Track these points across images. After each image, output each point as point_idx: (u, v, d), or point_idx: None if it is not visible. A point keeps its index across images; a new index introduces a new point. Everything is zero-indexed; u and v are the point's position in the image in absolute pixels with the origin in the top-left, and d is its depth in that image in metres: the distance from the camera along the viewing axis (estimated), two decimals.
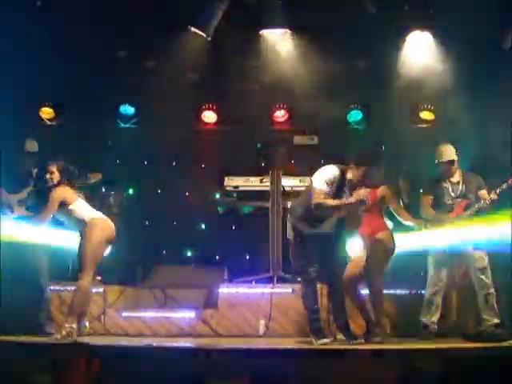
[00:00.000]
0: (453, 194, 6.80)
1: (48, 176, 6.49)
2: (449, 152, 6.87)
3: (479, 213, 6.64)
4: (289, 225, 6.19)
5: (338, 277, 6.14)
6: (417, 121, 9.22)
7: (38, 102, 9.08)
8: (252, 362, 5.06)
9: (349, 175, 5.96)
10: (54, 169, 6.52)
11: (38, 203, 6.97)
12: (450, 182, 6.86)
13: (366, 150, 6.33)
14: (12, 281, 6.72)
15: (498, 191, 6.54)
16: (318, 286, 6.25)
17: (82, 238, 6.31)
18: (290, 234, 6.16)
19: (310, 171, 7.98)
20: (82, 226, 6.32)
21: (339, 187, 5.94)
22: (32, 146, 7.30)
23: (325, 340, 5.89)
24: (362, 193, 5.84)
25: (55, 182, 6.48)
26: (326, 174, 5.94)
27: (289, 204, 7.50)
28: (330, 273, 6.13)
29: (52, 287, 7.10)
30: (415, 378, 3.87)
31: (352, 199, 5.87)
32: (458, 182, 6.84)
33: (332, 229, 6.03)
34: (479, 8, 7.10)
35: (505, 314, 6.56)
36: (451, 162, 6.84)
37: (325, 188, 5.86)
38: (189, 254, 9.73)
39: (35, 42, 7.78)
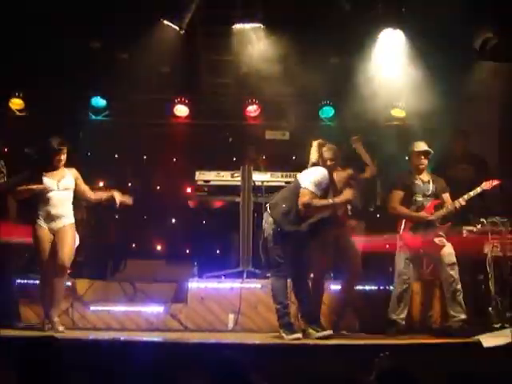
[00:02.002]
0: (424, 192, 6.85)
1: (63, 157, 6.51)
2: (421, 144, 6.93)
3: (448, 215, 6.72)
4: (269, 220, 6.21)
5: (306, 272, 6.21)
6: (388, 118, 9.29)
7: (7, 93, 8.98)
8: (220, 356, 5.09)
9: (335, 177, 6.09)
10: (65, 150, 6.54)
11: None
12: (420, 179, 6.90)
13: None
14: None
15: (470, 194, 6.61)
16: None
17: (67, 233, 6.38)
18: (268, 229, 6.19)
19: (281, 166, 8.05)
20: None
21: (326, 188, 6.06)
22: None
23: (296, 335, 5.92)
24: (349, 193, 6.11)
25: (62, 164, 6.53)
26: (315, 175, 6.13)
27: (261, 199, 7.53)
28: (301, 269, 6.18)
29: (18, 281, 7.06)
30: (383, 372, 3.88)
31: (339, 200, 6.11)
32: (429, 181, 6.88)
33: (307, 228, 6.12)
34: (451, 8, 7.15)
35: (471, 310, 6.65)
36: (422, 154, 6.88)
37: (313, 188, 6.05)
38: (159, 248, 9.71)
39: (5, 32, 7.68)
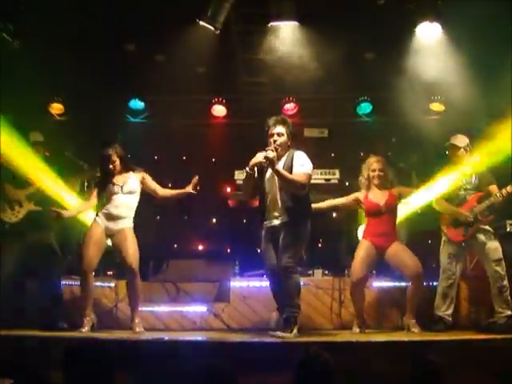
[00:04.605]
0: (466, 186, 6.76)
1: (111, 162, 6.55)
2: (457, 138, 6.84)
3: (492, 207, 6.60)
4: None
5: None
6: (427, 112, 9.20)
7: (47, 98, 9.12)
8: (263, 355, 5.10)
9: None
10: (114, 157, 6.57)
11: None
12: (462, 172, 6.80)
13: None
14: (25, 275, 6.80)
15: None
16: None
17: (127, 236, 6.46)
18: None
19: (320, 164, 8.01)
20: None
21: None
22: (36, 136, 7.28)
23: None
24: (260, 154, 6.08)
25: (118, 169, 6.57)
26: None
27: None
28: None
29: (64, 282, 7.15)
30: (428, 369, 3.84)
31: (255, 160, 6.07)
32: (471, 175, 6.78)
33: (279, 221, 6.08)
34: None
35: None
36: (453, 147, 6.81)
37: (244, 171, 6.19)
38: (200, 247, 9.75)
39: (45, 37, 7.77)
